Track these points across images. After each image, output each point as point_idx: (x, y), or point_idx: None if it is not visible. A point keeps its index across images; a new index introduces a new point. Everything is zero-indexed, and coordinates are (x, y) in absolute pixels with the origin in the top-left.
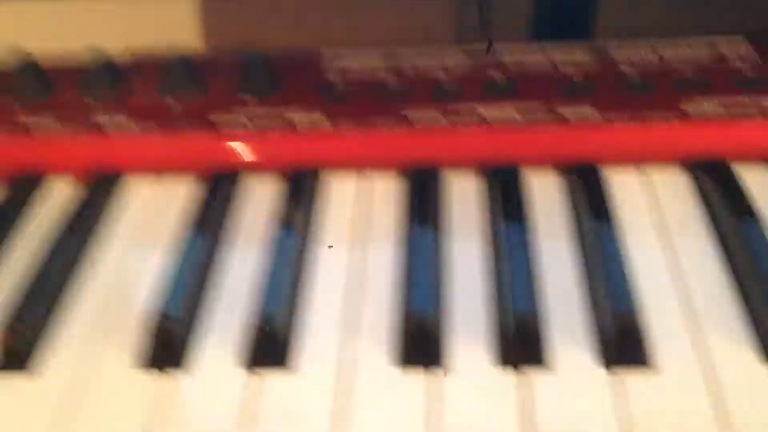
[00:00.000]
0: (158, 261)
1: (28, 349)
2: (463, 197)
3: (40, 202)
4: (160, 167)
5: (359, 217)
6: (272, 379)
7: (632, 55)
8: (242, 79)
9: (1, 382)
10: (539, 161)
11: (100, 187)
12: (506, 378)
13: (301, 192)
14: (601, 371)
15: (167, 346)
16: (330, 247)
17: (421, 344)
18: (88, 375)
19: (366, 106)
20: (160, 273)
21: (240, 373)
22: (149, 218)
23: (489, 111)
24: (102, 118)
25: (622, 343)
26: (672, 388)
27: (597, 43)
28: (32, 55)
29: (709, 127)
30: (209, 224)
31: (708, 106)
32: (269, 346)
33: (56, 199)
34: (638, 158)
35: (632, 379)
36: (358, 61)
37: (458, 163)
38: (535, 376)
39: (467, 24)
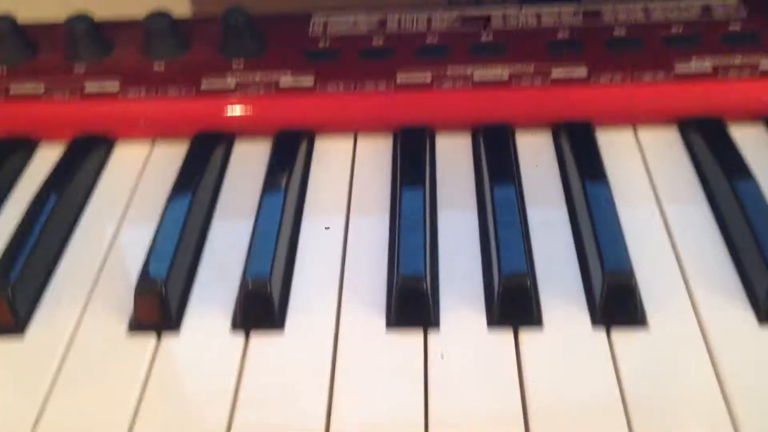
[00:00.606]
0: (148, 224)
1: (20, 312)
2: (453, 157)
3: (28, 166)
4: (147, 131)
5: (348, 178)
6: (263, 341)
7: (621, 13)
8: (229, 40)
9: None
10: (529, 121)
11: (88, 151)
12: (497, 337)
13: (289, 154)
14: (593, 330)
15: (160, 308)
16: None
17: (412, 305)
18: (81, 338)
19: (354, 67)
20: (150, 236)
21: (232, 335)
22: (137, 181)
23: (478, 71)
24: (88, 82)
25: (614, 302)
26: (663, 346)
27: (586, 3)
28: (16, 18)
29: (700, 84)
30: (198, 187)
31: (699, 63)
32: (260, 307)
33: (43, 163)
34: (629, 117)
35: (624, 337)
36: (346, 22)
37: (448, 124)
38: (526, 335)
39: None
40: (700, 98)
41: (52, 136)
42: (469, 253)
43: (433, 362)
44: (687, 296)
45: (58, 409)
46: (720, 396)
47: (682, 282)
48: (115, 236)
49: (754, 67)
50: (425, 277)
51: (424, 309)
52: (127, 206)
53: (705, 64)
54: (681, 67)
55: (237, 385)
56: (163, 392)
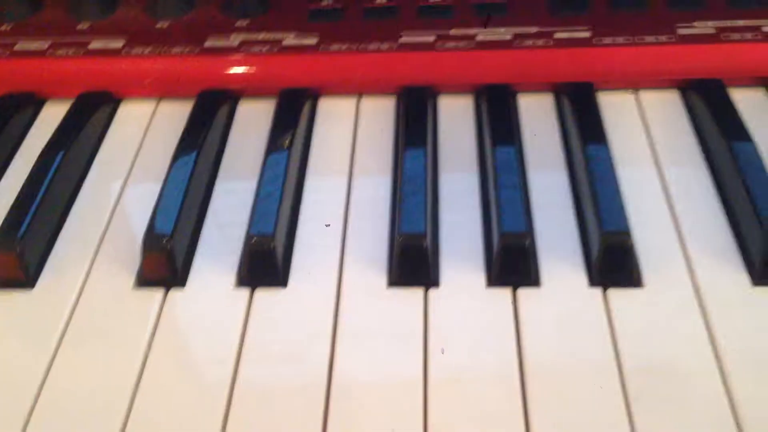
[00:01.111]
0: (153, 181)
1: (29, 267)
2: (456, 118)
3: (34, 123)
4: (152, 89)
5: (351, 138)
6: (267, 297)
7: None
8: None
9: (3, 298)
10: (532, 83)
11: (93, 108)
12: (496, 296)
13: (293, 113)
14: (590, 289)
15: (166, 263)
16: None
17: (413, 263)
18: (88, 293)
19: (357, 27)
20: (155, 193)
21: (236, 291)
22: (143, 139)
23: (481, 32)
24: (92, 39)
25: (611, 262)
26: (658, 306)
27: None
28: None
29: (702, 47)
30: (203, 145)
31: (701, 25)
32: (264, 264)
33: (49, 120)
34: (631, 79)
35: (620, 297)
36: None
37: (451, 84)
38: (524, 294)
39: None
40: (702, 61)
41: (57, 94)
42: (470, 214)
43: (433, 320)
44: (683, 257)
45: (66, 362)
46: (713, 355)
47: (678, 243)
48: (120, 193)
49: (756, 30)
50: (426, 235)
51: (424, 267)
52: (133, 163)
53: (708, 26)
54: (684, 29)
55: (241, 341)
56: (168, 347)
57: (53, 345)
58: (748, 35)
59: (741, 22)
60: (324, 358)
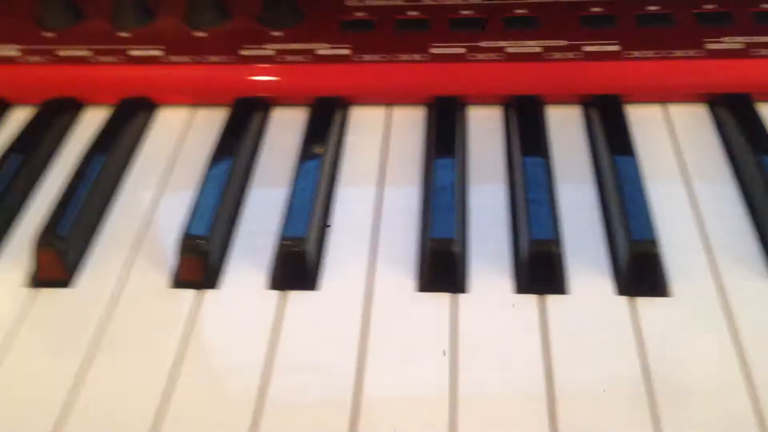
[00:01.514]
0: (189, 186)
1: (69, 266)
2: (485, 128)
3: (74, 129)
4: (189, 96)
5: (383, 148)
6: (298, 300)
7: None
8: (268, 10)
9: (41, 297)
10: (561, 95)
11: (132, 114)
12: (525, 302)
13: (325, 121)
14: (618, 298)
15: (200, 265)
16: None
17: (442, 268)
18: (125, 293)
19: (389, 38)
20: (190, 197)
21: (268, 294)
22: (180, 145)
23: (511, 44)
24: (133, 48)
25: (639, 270)
26: (686, 315)
27: None
28: None
29: (730, 62)
30: (238, 151)
31: (730, 40)
32: (296, 267)
33: (90, 125)
34: (659, 93)
35: (647, 306)
36: None
37: (480, 96)
38: (552, 302)
39: None
40: (730, 76)
41: (97, 99)
42: (499, 222)
43: (462, 326)
44: (710, 268)
45: (102, 361)
46: (740, 367)
47: (705, 254)
48: (157, 197)
49: None
50: (456, 240)
51: (453, 272)
52: (170, 168)
53: (736, 41)
54: (712, 44)
55: (271, 344)
56: (201, 348)
57: (90, 341)
58: None
59: None
60: (353, 363)
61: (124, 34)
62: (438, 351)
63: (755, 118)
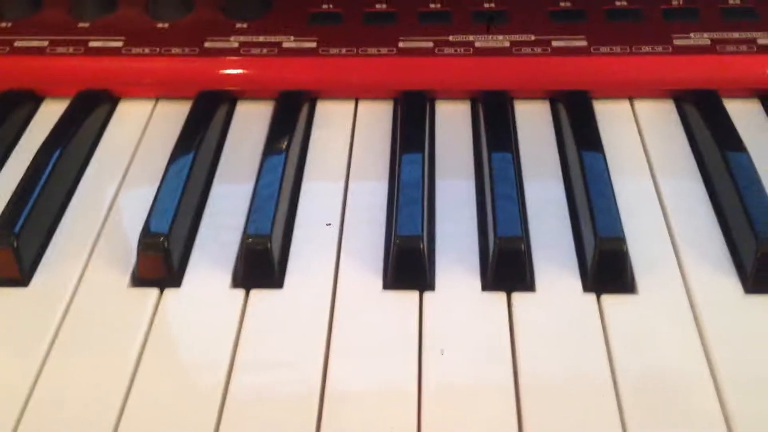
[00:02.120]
0: (150, 181)
1: (24, 264)
2: (453, 123)
3: (32, 120)
4: (151, 89)
5: (349, 141)
6: (262, 298)
7: None
8: (233, 1)
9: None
10: (529, 90)
11: (92, 106)
12: (491, 300)
13: (291, 115)
14: (585, 295)
15: (162, 263)
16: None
17: (408, 266)
18: (83, 292)
19: (357, 31)
20: (152, 193)
21: (232, 292)
22: (140, 138)
23: (480, 38)
24: (92, 38)
25: (605, 268)
26: (652, 312)
27: None
28: None
29: (697, 58)
30: (201, 145)
31: (697, 37)
32: (260, 264)
33: (48, 117)
34: (627, 88)
35: (614, 303)
36: None
37: (448, 90)
38: (519, 299)
39: None
40: (697, 72)
41: (56, 92)
42: (466, 218)
43: (428, 324)
44: (677, 265)
45: (60, 361)
46: (706, 364)
47: (672, 251)
48: (117, 192)
49: (751, 43)
50: (422, 237)
51: (420, 270)
52: (130, 162)
53: (703, 37)
54: (679, 40)
55: (235, 343)
56: (162, 348)
57: (47, 342)
58: (743, 47)
59: (736, 35)
60: (318, 361)
61: (83, 25)
62: (406, 348)
63: (721, 114)
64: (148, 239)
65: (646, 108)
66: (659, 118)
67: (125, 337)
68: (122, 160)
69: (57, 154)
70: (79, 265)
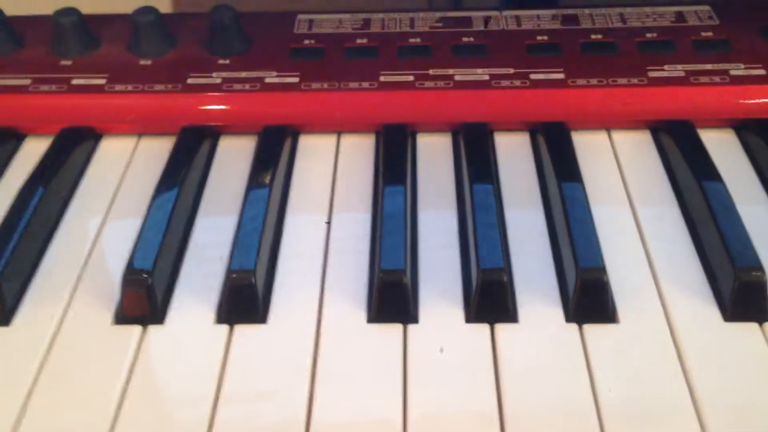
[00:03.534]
0: (133, 217)
1: (6, 302)
2: (434, 156)
3: (15, 158)
4: (134, 125)
5: (332, 175)
6: (247, 334)
7: (598, 19)
8: (215, 37)
9: None
10: (508, 122)
11: (75, 144)
12: (474, 332)
13: (274, 149)
14: (567, 325)
15: (145, 300)
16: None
17: (392, 299)
18: (66, 329)
19: (338, 66)
20: (135, 229)
21: (216, 328)
22: (124, 175)
23: (459, 72)
24: (74, 76)
25: (587, 298)
26: (633, 341)
27: (564, 7)
28: (3, 12)
29: (672, 89)
30: (184, 181)
31: (671, 68)
32: (244, 300)
33: (30, 155)
34: (604, 119)
35: (596, 332)
36: (331, 21)
37: (429, 123)
38: (502, 331)
39: None
40: (672, 103)
41: (38, 129)
42: (448, 251)
43: (412, 357)
44: (657, 294)
45: (42, 399)
46: (686, 390)
47: (652, 280)
48: (100, 229)
49: (724, 74)
50: (406, 271)
51: (404, 303)
52: (113, 199)
53: (677, 69)
54: (654, 72)
55: (220, 379)
56: (146, 385)
57: (29, 380)
58: (717, 78)
59: (709, 66)
60: (303, 396)
61: (66, 63)
62: (390, 381)
63: (697, 144)
64: (132, 276)
65: (623, 138)
66: (636, 149)
67: (109, 375)
68: (105, 196)
69: (40, 191)
70: (62, 303)
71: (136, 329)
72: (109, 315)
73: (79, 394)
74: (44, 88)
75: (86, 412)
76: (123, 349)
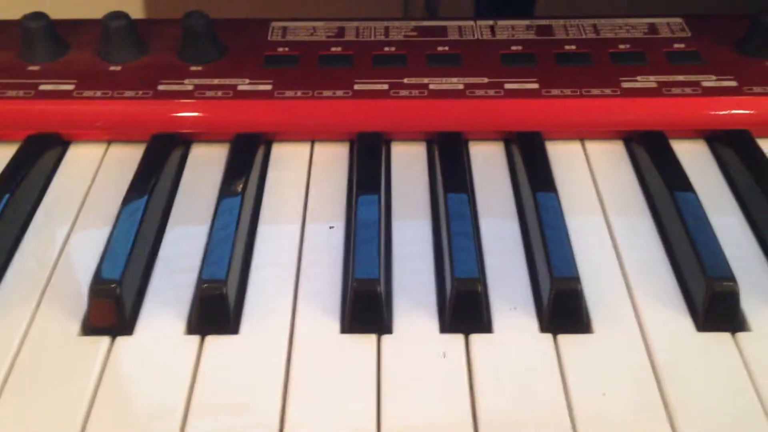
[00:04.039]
0: (102, 226)
1: None
2: (409, 165)
3: None
4: (103, 132)
5: (305, 184)
6: (218, 345)
7: (572, 30)
8: (188, 44)
9: None
10: (483, 131)
11: (41, 150)
12: (449, 342)
13: (246, 158)
14: (542, 335)
15: (113, 310)
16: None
17: (366, 309)
18: (31, 340)
19: (312, 74)
20: (103, 238)
21: (186, 339)
22: (92, 182)
23: (434, 81)
24: (43, 82)
25: (561, 307)
26: (607, 351)
27: (539, 18)
28: None
29: (645, 100)
30: (154, 189)
31: (644, 79)
32: (215, 310)
33: None
34: (578, 129)
35: (570, 342)
36: (305, 29)
37: (404, 132)
38: (477, 341)
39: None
40: (644, 113)
41: (4, 136)
42: (423, 260)
43: (386, 368)
44: (630, 304)
45: (6, 413)
46: (660, 400)
47: (625, 290)
48: (67, 238)
49: (696, 85)
50: (380, 280)
51: (377, 313)
52: (81, 207)
53: (650, 80)
54: (627, 83)
55: (190, 391)
56: (115, 397)
57: None
58: (689, 90)
59: (682, 77)
60: (275, 407)
61: (33, 68)
62: (364, 391)
63: (669, 154)
64: (100, 286)
65: (596, 148)
66: (609, 159)
67: (76, 387)
68: (73, 204)
69: (5, 198)
70: (28, 313)
71: (105, 340)
72: (76, 326)
73: (45, 406)
74: (10, 93)
75: (52, 424)
76: (90, 362)
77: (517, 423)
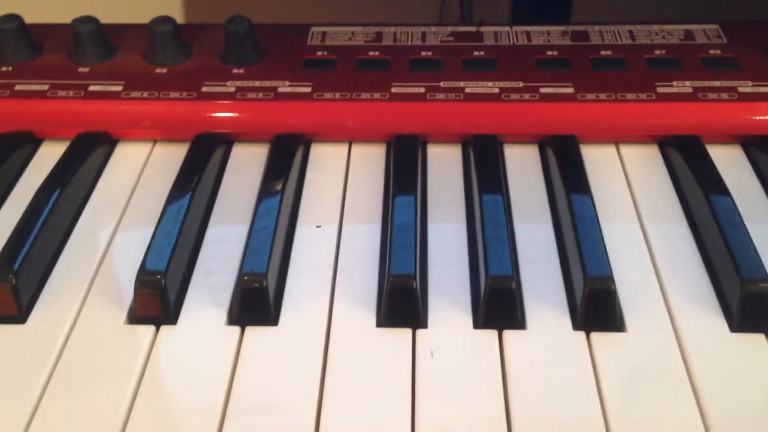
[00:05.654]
0: (147, 221)
1: (22, 301)
2: (444, 166)
3: (32, 161)
4: (149, 132)
5: (343, 183)
6: (258, 336)
7: (608, 35)
8: (230, 47)
9: None
10: (518, 134)
11: (91, 148)
12: (483, 338)
13: (286, 157)
14: (575, 333)
15: (158, 301)
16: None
17: (402, 304)
18: (80, 329)
19: (350, 77)
20: (148, 233)
21: (227, 329)
22: (138, 179)
23: (470, 84)
24: (93, 83)
25: (594, 306)
26: (640, 350)
27: (574, 24)
28: (23, 20)
29: (680, 105)
30: (197, 186)
31: (679, 85)
32: (256, 302)
33: (47, 159)
34: (612, 133)
35: (603, 341)
36: (344, 34)
37: (440, 134)
38: (510, 337)
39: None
40: (680, 118)
41: (55, 134)
42: (458, 259)
43: (421, 362)
44: (664, 305)
45: (56, 398)
46: (693, 400)
47: (659, 291)
48: (115, 231)
49: (732, 91)
50: (415, 276)
51: (413, 308)
52: (128, 203)
53: (686, 85)
54: (663, 88)
55: (231, 379)
56: (159, 384)
57: (44, 379)
58: (725, 95)
59: (717, 83)
60: (312, 398)
61: (83, 70)
62: (399, 384)
63: (705, 158)
64: (146, 277)
65: (631, 153)
66: (644, 163)
67: (121, 375)
68: (120, 200)
69: (56, 193)
70: (76, 302)
71: (149, 330)
72: (122, 315)
73: (92, 394)
74: (62, 93)
75: (98, 411)
76: (136, 349)
77: (550, 419)
